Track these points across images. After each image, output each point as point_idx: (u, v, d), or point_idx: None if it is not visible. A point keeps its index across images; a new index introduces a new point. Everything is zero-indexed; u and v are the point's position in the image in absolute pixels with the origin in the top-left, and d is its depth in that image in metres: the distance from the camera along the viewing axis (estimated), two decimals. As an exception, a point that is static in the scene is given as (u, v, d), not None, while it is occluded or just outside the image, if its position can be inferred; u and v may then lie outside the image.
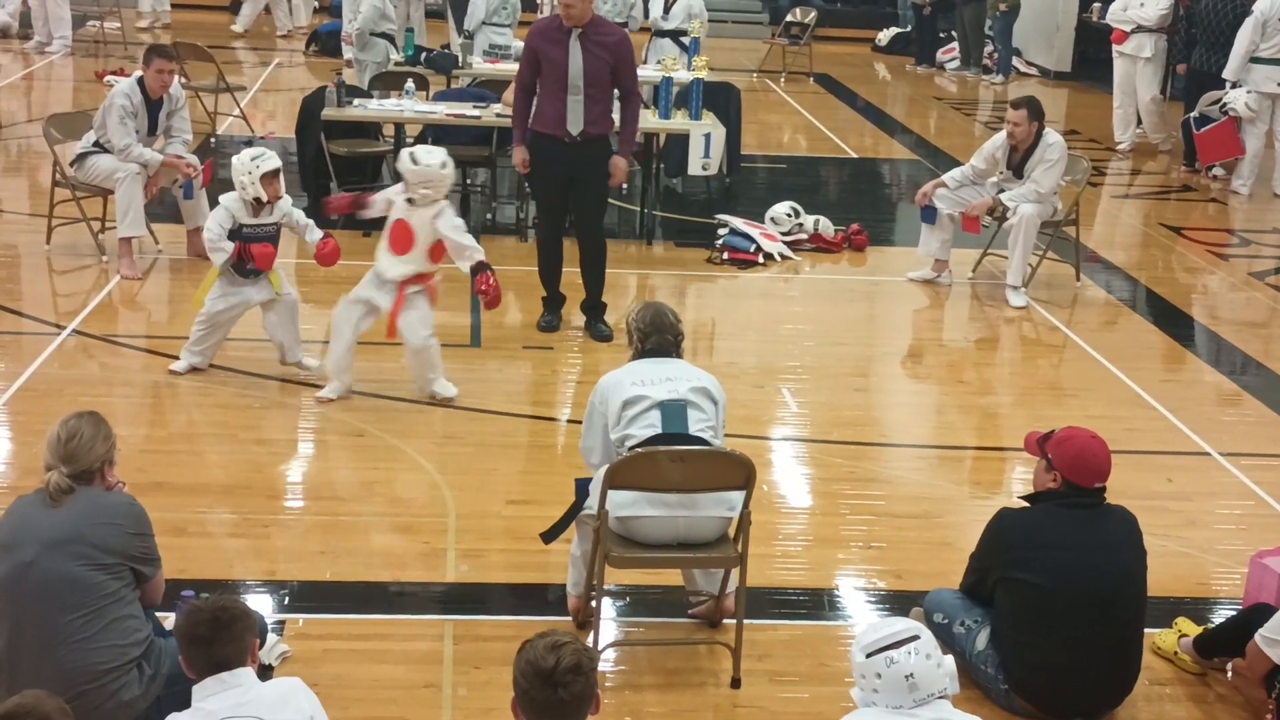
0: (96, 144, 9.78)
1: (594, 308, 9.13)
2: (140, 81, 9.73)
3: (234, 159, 7.78)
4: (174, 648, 4.29)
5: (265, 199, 7.71)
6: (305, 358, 8.10)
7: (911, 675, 3.88)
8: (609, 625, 5.68)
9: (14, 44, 18.98)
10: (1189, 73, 15.58)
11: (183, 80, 11.74)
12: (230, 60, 16.66)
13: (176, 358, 8.07)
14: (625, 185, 11.66)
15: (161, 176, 9.81)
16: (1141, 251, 12.30)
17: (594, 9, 8.64)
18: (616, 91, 8.82)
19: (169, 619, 4.92)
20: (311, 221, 8.03)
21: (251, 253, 7.72)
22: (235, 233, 7.73)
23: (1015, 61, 21.91)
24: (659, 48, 14.61)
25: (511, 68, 12.60)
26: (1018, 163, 10.10)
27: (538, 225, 9.63)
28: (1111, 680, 5.19)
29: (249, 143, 14.13)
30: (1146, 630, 5.32)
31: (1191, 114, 14.76)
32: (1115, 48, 16.11)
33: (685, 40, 14.18)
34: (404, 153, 7.65)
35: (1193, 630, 5.66)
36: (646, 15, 15.19)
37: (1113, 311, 10.38)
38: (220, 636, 3.91)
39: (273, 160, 7.70)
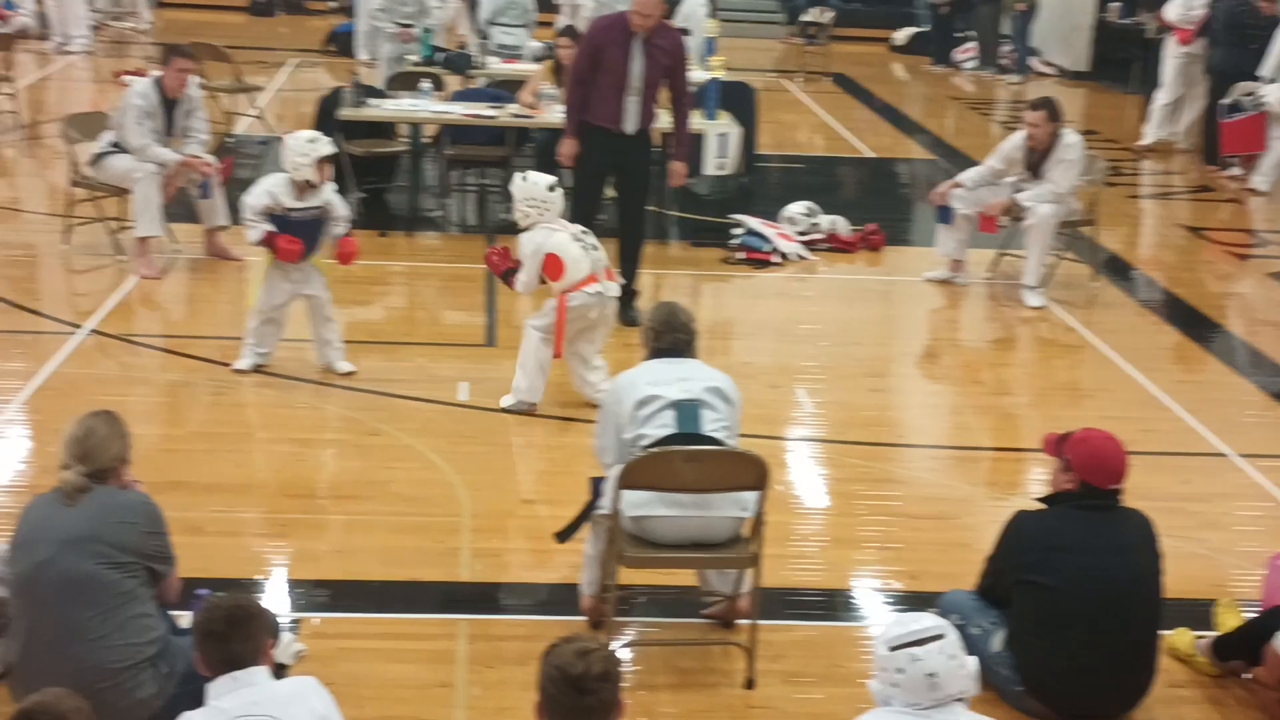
0: (114, 144, 9.81)
1: (626, 294, 9.22)
2: (157, 81, 9.76)
3: (288, 140, 7.81)
4: (189, 646, 4.30)
5: (316, 182, 7.74)
6: (338, 361, 8.08)
7: (934, 674, 3.87)
8: (623, 625, 5.67)
9: (33, 44, 19.02)
10: (1210, 72, 15.49)
11: (200, 81, 11.76)
12: (248, 60, 16.68)
13: (193, 357, 8.11)
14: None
15: (179, 176, 9.83)
16: (1159, 252, 12.27)
17: (609, 8, 8.72)
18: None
19: (184, 617, 4.94)
20: (348, 213, 8.04)
21: (275, 244, 7.71)
22: (279, 218, 7.73)
23: (1033, 61, 21.84)
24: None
25: (527, 68, 12.64)
26: (1035, 163, 10.06)
27: (573, 213, 9.71)
28: (1127, 683, 5.18)
29: (264, 143, 14.19)
30: (1163, 632, 5.31)
31: (1223, 100, 14.58)
32: (1181, 49, 15.90)
33: (685, 40, 14.12)
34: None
35: (1232, 620, 5.62)
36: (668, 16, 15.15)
37: (1130, 312, 10.35)
38: (235, 635, 3.92)
39: (328, 145, 7.77)
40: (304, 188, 7.73)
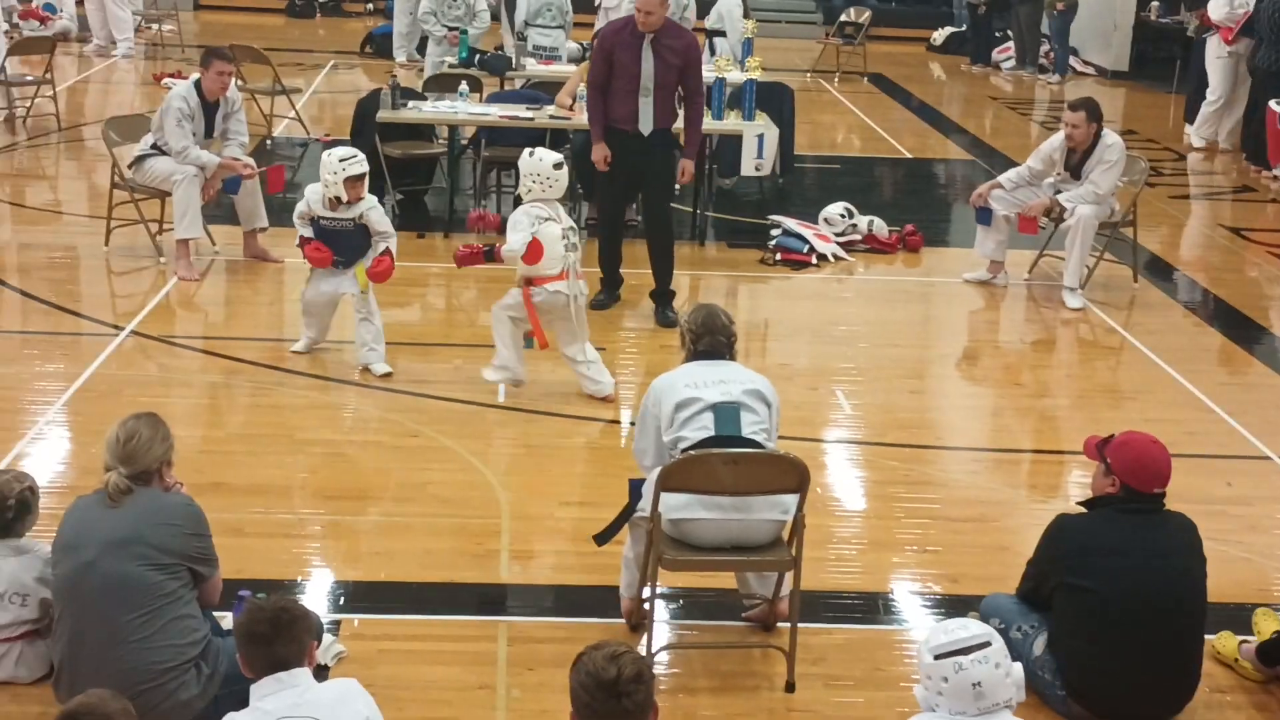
0: (154, 146, 9.86)
1: (662, 295, 9.36)
2: (197, 84, 9.81)
3: (324, 155, 7.99)
4: (231, 647, 4.33)
5: (345, 199, 7.88)
6: (375, 363, 8.11)
7: (979, 684, 3.85)
8: (662, 628, 5.67)
9: (74, 47, 19.16)
10: (1254, 71, 15.36)
11: (239, 83, 11.82)
12: (286, 63, 16.76)
13: (233, 358, 8.19)
14: (679, 187, 11.67)
15: (218, 179, 9.87)
16: (1200, 253, 12.18)
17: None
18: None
19: (226, 618, 4.97)
20: (389, 230, 8.09)
21: (304, 250, 8.03)
22: (315, 224, 7.99)
23: (1072, 61, 21.74)
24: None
25: (564, 69, 12.65)
26: (1076, 164, 10.01)
27: (600, 218, 9.91)
28: (1171, 687, 5.14)
29: (304, 145, 14.26)
30: (1207, 637, 5.26)
31: (1273, 101, 14.42)
32: (1225, 48, 15.79)
33: (719, 41, 14.12)
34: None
35: (1271, 626, 5.57)
36: (700, 15, 15.16)
37: (1171, 313, 10.28)
38: (280, 637, 3.94)
39: (360, 165, 7.87)
40: (335, 202, 7.88)
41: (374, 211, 8.02)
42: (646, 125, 8.98)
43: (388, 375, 8.05)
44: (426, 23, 14.53)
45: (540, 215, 7.58)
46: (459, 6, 14.25)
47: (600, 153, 9.14)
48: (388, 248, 8.04)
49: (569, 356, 7.89)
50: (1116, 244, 10.67)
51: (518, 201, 7.93)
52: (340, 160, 7.84)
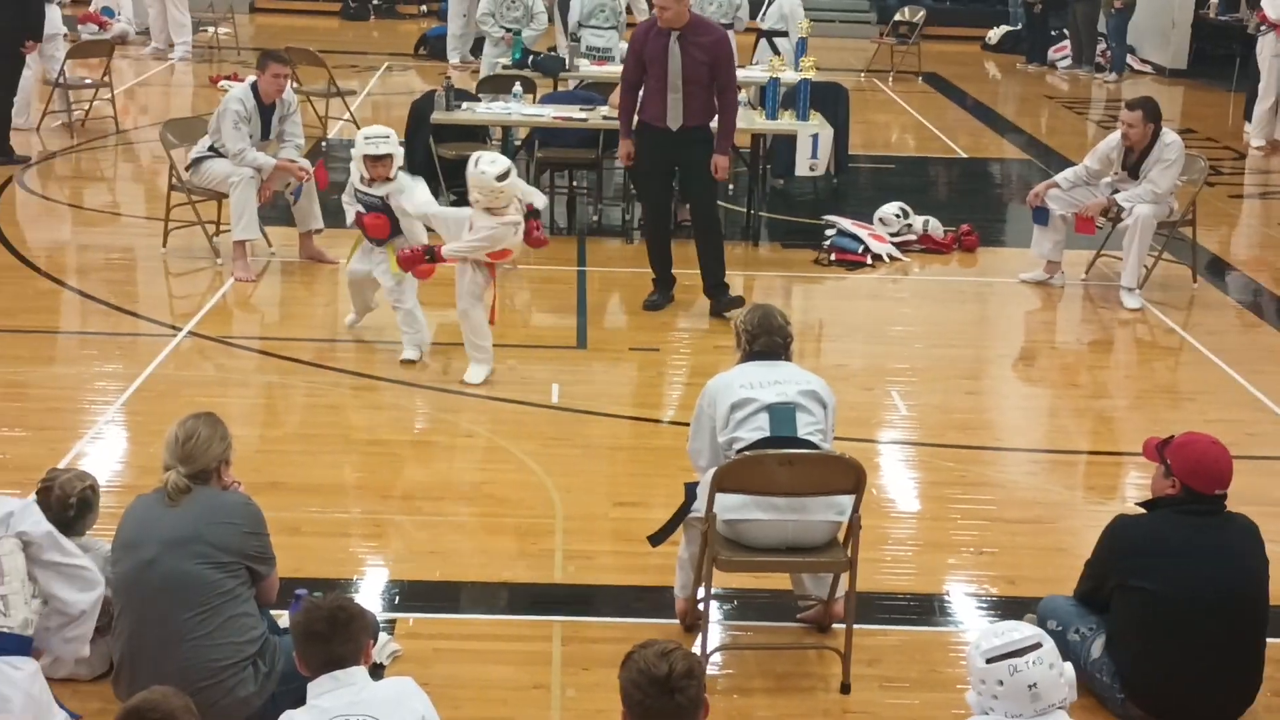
0: (211, 149, 9.94)
1: (717, 287, 9.37)
2: (254, 86, 9.88)
3: (358, 132, 8.39)
4: (288, 645, 4.35)
5: (366, 176, 8.05)
6: (406, 350, 8.20)
7: (1034, 685, 3.83)
8: (717, 629, 5.65)
9: (131, 50, 19.34)
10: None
11: (294, 85, 11.89)
12: (341, 65, 16.85)
13: (289, 359, 8.29)
14: (732, 184, 11.66)
15: (275, 180, 9.93)
16: (1261, 252, 12.04)
17: (698, 10, 8.79)
18: None
19: (283, 617, 4.99)
20: (423, 217, 8.10)
21: (363, 222, 8.20)
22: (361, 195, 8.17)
23: (1129, 59, 21.54)
24: (761, 48, 14.58)
25: (617, 70, 12.65)
26: (1133, 163, 9.92)
27: (645, 219, 9.90)
28: (1231, 691, 5.08)
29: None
30: (1269, 640, 5.20)
31: None
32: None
33: (780, 41, 14.10)
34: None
35: None
36: (754, 15, 15.14)
37: (1231, 313, 10.18)
38: (337, 635, 3.96)
39: (376, 146, 8.03)
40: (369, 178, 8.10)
41: (404, 197, 8.04)
42: (675, 121, 8.99)
43: (409, 362, 8.19)
44: (485, 24, 14.57)
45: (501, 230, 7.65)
46: (517, 8, 14.29)
47: (624, 149, 9.28)
48: (429, 245, 7.97)
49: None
50: (1175, 243, 10.57)
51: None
52: (365, 138, 8.07)
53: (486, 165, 7.59)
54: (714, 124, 9.21)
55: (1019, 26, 23.91)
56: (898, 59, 20.95)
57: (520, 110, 11.32)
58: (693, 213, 9.54)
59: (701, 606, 5.38)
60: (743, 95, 11.05)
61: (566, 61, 13.10)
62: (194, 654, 4.58)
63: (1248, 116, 16.64)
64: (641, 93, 9.12)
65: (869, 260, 10.80)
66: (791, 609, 5.75)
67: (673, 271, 9.51)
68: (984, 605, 6.02)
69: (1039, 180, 11.05)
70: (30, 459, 6.80)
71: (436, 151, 11.22)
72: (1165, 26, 21.63)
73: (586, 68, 13.14)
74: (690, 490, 5.48)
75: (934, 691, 5.32)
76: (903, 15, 21.66)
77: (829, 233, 11.15)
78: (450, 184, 11.34)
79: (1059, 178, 10.32)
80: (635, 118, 9.21)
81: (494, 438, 7.40)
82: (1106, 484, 7.40)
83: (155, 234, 10.43)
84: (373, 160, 8.02)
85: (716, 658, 5.45)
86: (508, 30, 14.17)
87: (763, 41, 14.79)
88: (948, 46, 23.63)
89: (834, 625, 5.58)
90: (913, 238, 11.25)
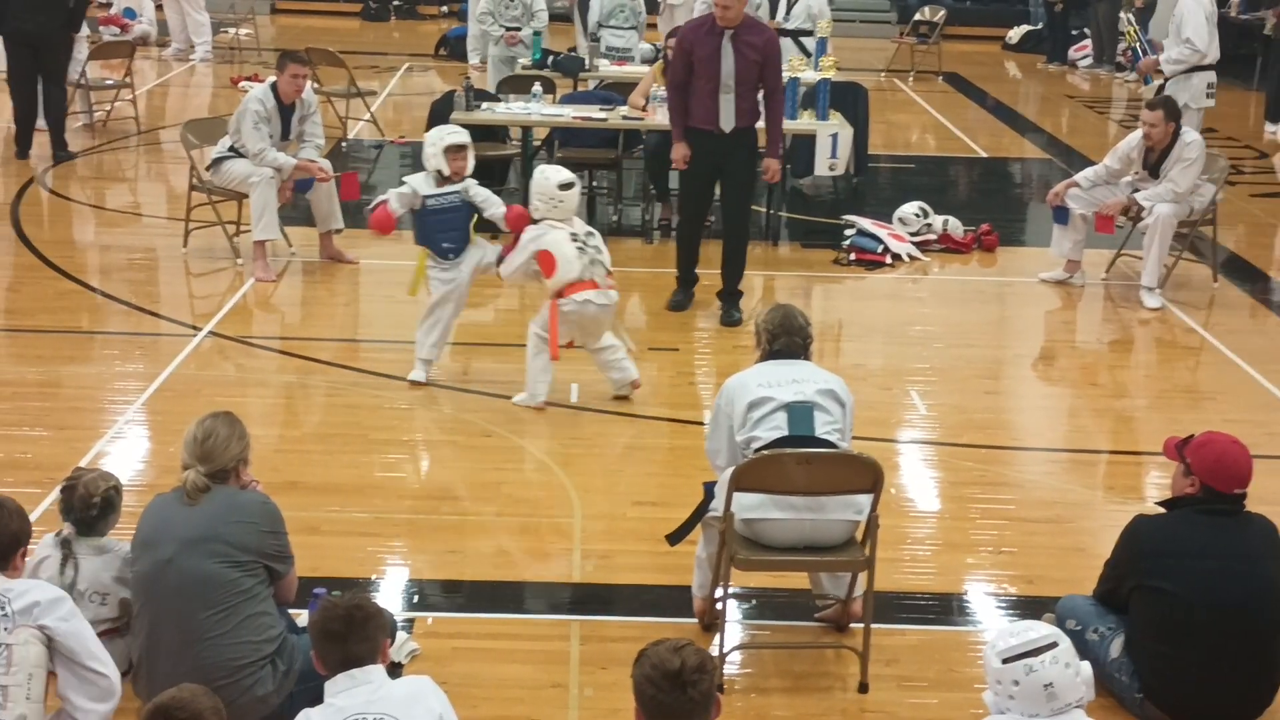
0: (231, 149, 9.97)
1: (730, 294, 9.37)
2: (274, 87, 9.90)
3: (426, 134, 8.20)
4: (306, 644, 4.36)
5: (447, 173, 7.88)
6: (418, 366, 8.07)
7: (1051, 684, 3.82)
8: (735, 628, 5.65)
9: (152, 51, 19.40)
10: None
11: (314, 85, 11.92)
12: (361, 66, 16.89)
13: (309, 359, 8.26)
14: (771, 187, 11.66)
15: (295, 181, 9.96)
16: (1282, 251, 12.01)
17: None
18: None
19: (301, 616, 5.01)
20: (493, 198, 8.08)
21: (371, 218, 7.98)
22: (418, 211, 7.91)
23: (1149, 58, 21.46)
24: (786, 47, 14.56)
25: (637, 70, 12.66)
26: (1154, 162, 9.89)
27: (681, 218, 9.90)
28: (1250, 691, 5.06)
29: (379, 147, 14.36)
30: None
31: None
32: None
33: (806, 40, 14.08)
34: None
35: None
36: (773, 15, 15.11)
37: (1251, 313, 10.14)
38: (354, 634, 3.96)
39: (460, 135, 7.96)
40: (440, 177, 7.91)
41: (476, 187, 8.02)
42: (728, 123, 8.96)
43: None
44: (484, 23, 14.60)
45: (542, 230, 7.56)
46: (516, 7, 14.30)
47: (680, 151, 9.16)
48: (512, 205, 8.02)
49: (592, 350, 7.82)
50: (1196, 243, 10.53)
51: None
52: (443, 133, 7.96)
53: (552, 173, 7.66)
54: (758, 125, 9.21)
55: (1039, 26, 23.86)
56: (918, 59, 20.92)
57: (540, 110, 11.33)
58: (727, 216, 9.50)
59: (719, 606, 5.38)
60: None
61: (586, 62, 13.11)
62: (212, 653, 4.59)
63: (1268, 115, 16.58)
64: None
65: (888, 260, 10.79)
66: (809, 608, 5.75)
67: (696, 272, 9.51)
68: (1002, 605, 6.01)
69: (1059, 180, 11.02)
70: (51, 458, 6.84)
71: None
72: (1187, 25, 21.48)
73: (606, 68, 13.15)
74: (708, 489, 5.49)
75: (952, 691, 5.31)
76: (923, 15, 21.62)
77: (848, 232, 11.14)
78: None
79: (1079, 177, 10.30)
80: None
81: (512, 437, 7.41)
82: (1126, 484, 7.38)
83: (176, 234, 10.48)
84: (455, 151, 7.88)
85: (734, 657, 5.45)
86: (509, 29, 14.20)
87: (787, 41, 14.75)
88: (968, 46, 23.59)
89: (852, 625, 5.58)
90: (933, 237, 11.23)
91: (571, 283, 7.46)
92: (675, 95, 9.15)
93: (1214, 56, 12.24)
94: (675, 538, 5.68)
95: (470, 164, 7.99)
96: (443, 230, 7.92)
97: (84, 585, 4.98)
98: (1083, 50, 22.15)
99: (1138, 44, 14.74)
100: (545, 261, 7.50)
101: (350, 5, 24.76)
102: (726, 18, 8.78)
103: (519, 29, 14.03)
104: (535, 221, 7.66)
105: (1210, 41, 12.13)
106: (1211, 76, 12.21)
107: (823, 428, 5.30)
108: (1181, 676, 4.98)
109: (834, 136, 11.07)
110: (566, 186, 7.58)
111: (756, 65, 8.90)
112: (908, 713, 5.19)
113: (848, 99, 12.48)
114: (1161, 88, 12.21)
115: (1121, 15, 19.18)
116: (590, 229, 7.78)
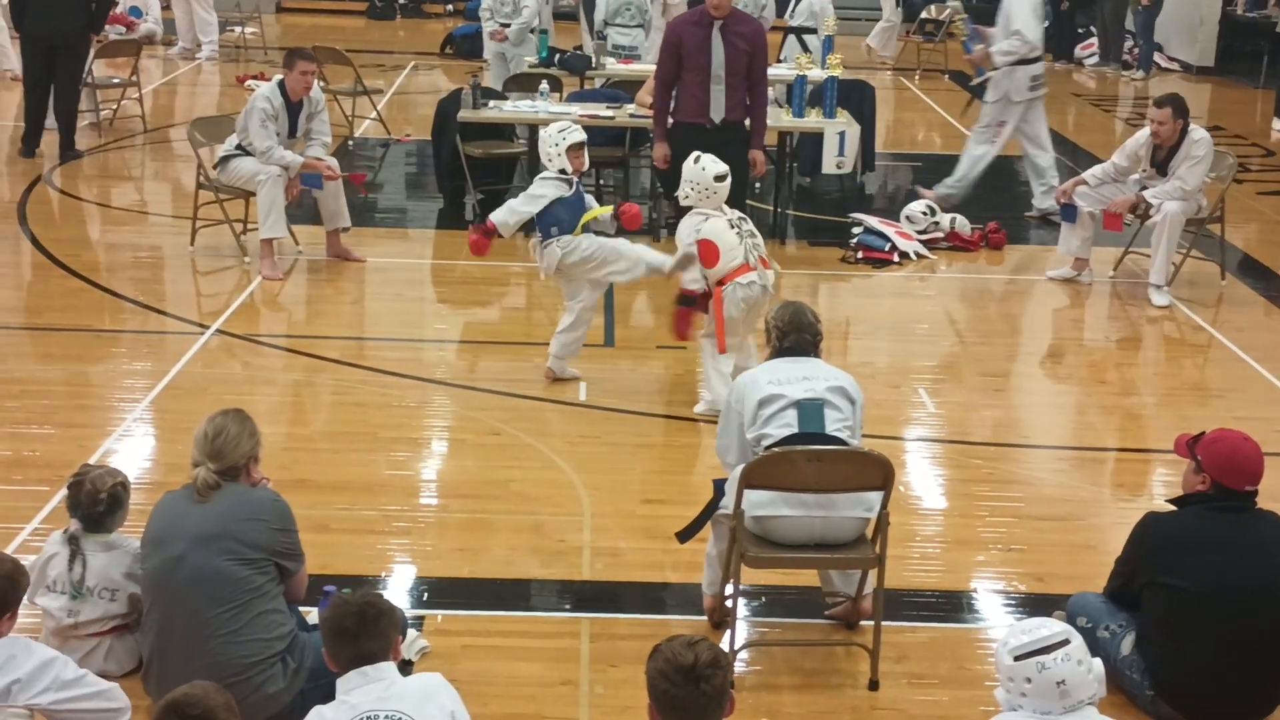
0: (239, 147, 9.96)
1: None
2: (281, 85, 9.89)
3: (541, 133, 7.98)
4: (317, 642, 4.36)
5: (570, 171, 7.79)
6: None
7: (1063, 682, 3.82)
8: (745, 625, 5.65)
9: (159, 50, 19.41)
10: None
11: (321, 83, 11.92)
12: (367, 64, 16.89)
13: (316, 356, 8.27)
14: (759, 182, 11.63)
15: (301, 179, 9.95)
16: (1290, 249, 11.98)
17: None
18: None
19: (312, 614, 5.01)
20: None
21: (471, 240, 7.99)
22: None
23: (1156, 57, 21.43)
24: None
25: (644, 68, 12.66)
26: (1162, 160, 9.88)
27: (678, 215, 9.77)
28: (1262, 688, 5.05)
29: (385, 146, 14.35)
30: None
31: None
32: None
33: (809, 38, 14.09)
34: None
35: None
36: (780, 14, 15.12)
37: (1259, 310, 10.12)
38: (366, 631, 3.96)
39: (578, 133, 7.84)
40: (565, 177, 7.80)
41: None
42: (718, 113, 9.06)
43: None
44: (483, 18, 14.72)
45: (699, 220, 7.51)
46: (508, 4, 14.36)
47: (661, 151, 9.25)
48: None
49: (743, 346, 7.69)
50: (1204, 240, 10.52)
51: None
52: (559, 131, 7.79)
53: (708, 163, 7.56)
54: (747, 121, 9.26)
55: (1046, 24, 23.80)
56: (924, 57, 20.90)
57: (547, 108, 11.33)
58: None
59: (729, 603, 5.38)
60: (770, 93, 11.05)
61: (593, 60, 13.10)
62: (222, 650, 4.59)
63: (1276, 113, 16.57)
64: (675, 91, 9.11)
65: (896, 258, 10.78)
66: (819, 605, 5.74)
67: None
68: (1012, 602, 6.00)
69: (1066, 178, 11.00)
70: (59, 456, 6.84)
71: (463, 150, 11.23)
72: (1193, 23, 21.51)
73: (613, 66, 13.15)
74: (718, 487, 5.48)
75: (962, 688, 5.31)
76: (929, 13, 21.60)
77: (856, 230, 11.13)
78: (477, 182, 11.35)
79: (1087, 175, 10.29)
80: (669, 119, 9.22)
81: (521, 435, 7.41)
82: (1135, 481, 7.37)
83: (183, 232, 10.47)
84: (577, 149, 7.77)
85: (744, 654, 5.44)
86: (502, 25, 14.27)
87: (790, 39, 14.76)
88: (974, 44, 23.51)
89: (862, 622, 5.57)
90: (940, 235, 11.22)
91: (735, 269, 7.39)
92: (662, 92, 9.20)
93: (1040, 49, 12.15)
94: (685, 535, 5.67)
95: (587, 159, 7.96)
96: (569, 216, 7.79)
97: (93, 581, 4.99)
98: (1089, 48, 22.13)
99: (966, 36, 14.69)
100: (707, 250, 7.41)
101: (356, 4, 24.77)
102: (719, 7, 8.90)
103: (509, 25, 14.14)
104: (686, 210, 7.62)
105: (1038, 34, 12.07)
106: (1037, 69, 12.01)
107: (833, 425, 5.30)
108: (1193, 673, 4.97)
109: (841, 135, 11.07)
110: (722, 178, 7.53)
111: (746, 55, 9.01)
112: (918, 710, 5.18)
113: (854, 97, 12.48)
114: (988, 79, 12.13)
115: (949, 5, 19.20)
116: (741, 214, 7.72)
